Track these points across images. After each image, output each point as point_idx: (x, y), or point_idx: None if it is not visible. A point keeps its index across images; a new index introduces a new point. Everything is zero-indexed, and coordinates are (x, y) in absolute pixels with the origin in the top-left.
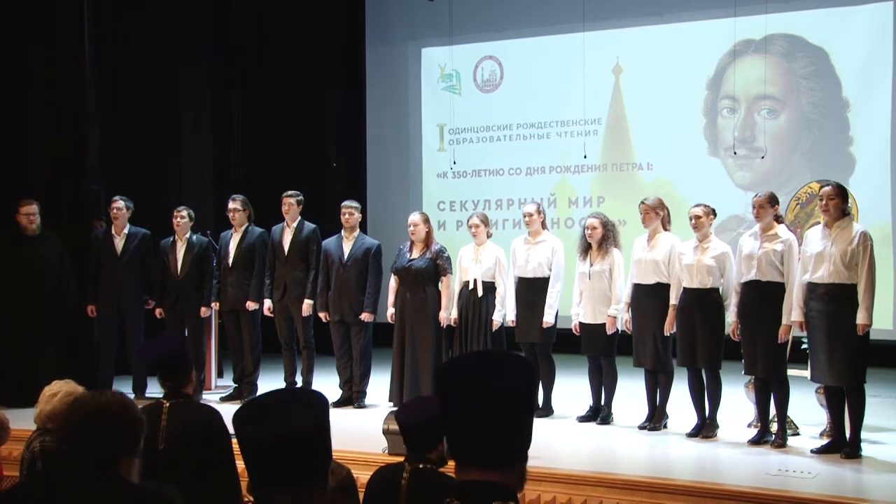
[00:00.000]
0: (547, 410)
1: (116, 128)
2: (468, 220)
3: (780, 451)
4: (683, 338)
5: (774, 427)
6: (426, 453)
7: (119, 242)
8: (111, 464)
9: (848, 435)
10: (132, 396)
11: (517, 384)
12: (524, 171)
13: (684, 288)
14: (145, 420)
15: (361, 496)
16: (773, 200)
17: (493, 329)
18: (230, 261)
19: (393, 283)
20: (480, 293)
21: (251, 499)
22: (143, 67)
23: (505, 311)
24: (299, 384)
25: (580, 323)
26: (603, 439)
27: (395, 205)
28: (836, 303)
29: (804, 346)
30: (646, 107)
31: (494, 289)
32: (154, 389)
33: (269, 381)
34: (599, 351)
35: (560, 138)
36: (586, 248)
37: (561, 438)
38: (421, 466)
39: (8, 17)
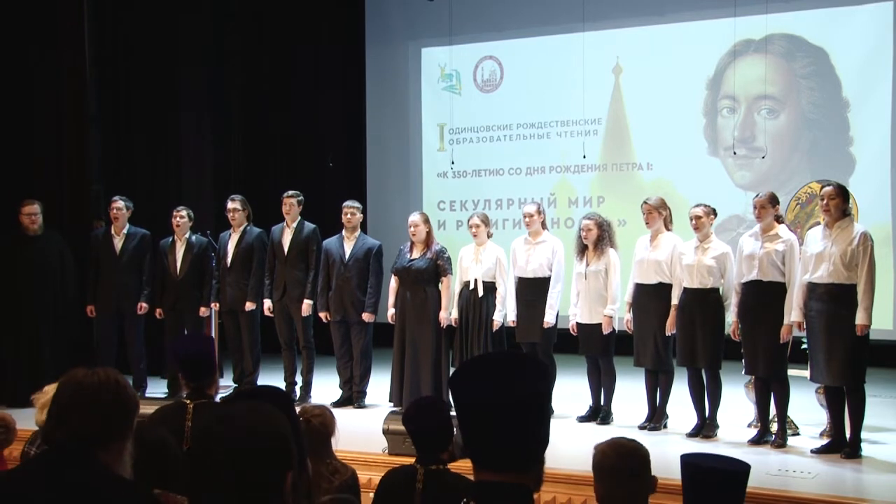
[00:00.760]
0: None
1: (116, 128)
2: (468, 220)
3: (780, 451)
4: (683, 338)
5: (774, 427)
6: (438, 454)
7: (119, 242)
8: (96, 447)
9: (848, 435)
10: None
11: (536, 387)
12: (524, 171)
13: (684, 288)
14: (139, 402)
15: (363, 497)
16: (773, 200)
17: (494, 329)
18: (229, 261)
19: (393, 283)
20: (481, 293)
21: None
22: (143, 67)
23: (505, 312)
24: (299, 384)
25: (577, 323)
26: (603, 439)
27: (395, 205)
28: (836, 303)
29: (804, 346)
30: (646, 107)
31: (495, 289)
32: (154, 389)
33: (269, 382)
34: (597, 351)
35: (560, 138)
36: (582, 249)
37: (561, 438)
38: (433, 467)
39: (8, 17)
